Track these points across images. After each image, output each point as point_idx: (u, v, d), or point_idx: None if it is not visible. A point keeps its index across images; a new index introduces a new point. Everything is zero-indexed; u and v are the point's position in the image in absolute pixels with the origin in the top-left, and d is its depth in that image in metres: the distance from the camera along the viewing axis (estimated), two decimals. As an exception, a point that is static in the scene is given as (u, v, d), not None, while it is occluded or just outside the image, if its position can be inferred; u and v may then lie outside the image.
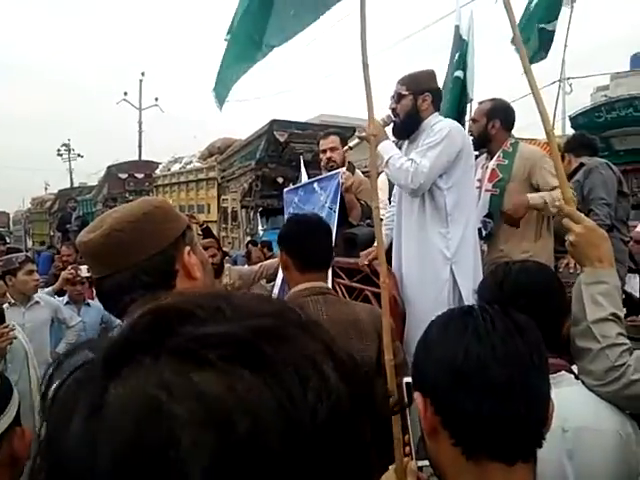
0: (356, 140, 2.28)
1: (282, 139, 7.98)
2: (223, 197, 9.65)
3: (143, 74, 21.30)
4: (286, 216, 3.73)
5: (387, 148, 2.26)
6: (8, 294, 3.03)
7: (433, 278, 2.24)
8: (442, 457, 0.68)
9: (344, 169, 3.09)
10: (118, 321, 3.34)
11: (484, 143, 2.76)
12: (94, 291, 3.77)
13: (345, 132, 3.91)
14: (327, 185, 3.13)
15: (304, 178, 3.81)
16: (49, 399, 0.32)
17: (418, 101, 2.30)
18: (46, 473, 0.30)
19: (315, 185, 3.30)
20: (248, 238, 8.33)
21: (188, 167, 10.67)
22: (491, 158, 2.74)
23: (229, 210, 9.45)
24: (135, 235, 0.87)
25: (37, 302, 3.07)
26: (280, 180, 8.19)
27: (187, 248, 0.93)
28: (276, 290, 3.51)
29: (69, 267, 3.70)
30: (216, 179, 9.73)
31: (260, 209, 8.92)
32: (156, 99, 21.99)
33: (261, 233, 8.94)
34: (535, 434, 0.65)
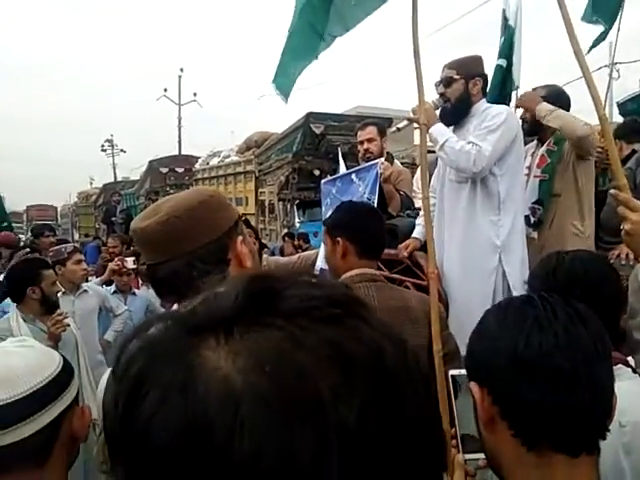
0: (405, 122, 2.24)
1: (318, 131, 7.96)
2: (260, 190, 9.75)
3: (182, 70, 21.76)
4: (323, 208, 3.72)
5: (442, 131, 2.20)
6: (58, 283, 3.17)
7: (480, 267, 2.20)
8: (500, 448, 0.65)
9: (382, 159, 3.05)
10: (162, 310, 3.39)
11: (537, 130, 2.67)
12: (139, 281, 3.92)
13: (383, 123, 3.85)
14: (365, 176, 3.10)
15: (342, 169, 3.79)
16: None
17: (469, 85, 2.27)
18: (182, 434, 0.28)
19: (353, 176, 3.27)
20: (285, 230, 8.39)
21: (226, 161, 10.83)
22: (541, 145, 2.65)
23: (266, 203, 9.54)
24: (191, 223, 0.88)
25: (86, 291, 3.20)
26: (317, 172, 8.18)
27: (239, 237, 0.95)
28: (314, 281, 3.52)
29: (116, 259, 3.85)
30: (253, 172, 9.83)
31: (297, 201, 8.96)
32: (194, 94, 22.42)
33: (298, 225, 8.99)
34: (600, 425, 0.63)
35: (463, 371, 1.13)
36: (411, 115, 2.17)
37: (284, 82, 2.23)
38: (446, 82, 2.28)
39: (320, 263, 3.64)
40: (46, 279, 2.59)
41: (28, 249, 4.78)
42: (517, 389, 0.62)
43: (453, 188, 2.32)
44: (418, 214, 2.86)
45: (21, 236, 16.01)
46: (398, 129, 2.32)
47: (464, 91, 2.28)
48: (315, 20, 2.02)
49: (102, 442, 0.90)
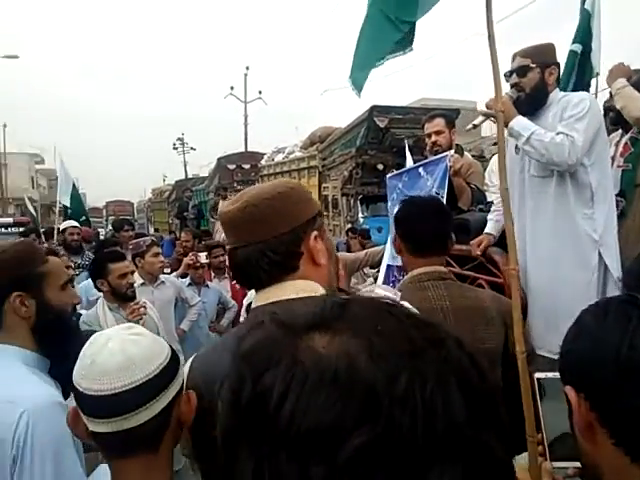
0: (481, 117, 2.15)
1: (382, 125, 7.86)
2: (324, 185, 9.79)
3: (248, 68, 22.28)
4: (389, 203, 3.68)
5: (525, 123, 2.09)
6: (137, 274, 3.37)
7: (579, 264, 2.07)
8: (599, 458, 0.61)
9: (452, 152, 2.97)
10: (233, 302, 3.53)
11: (621, 119, 2.48)
12: (212, 274, 4.08)
13: (451, 114, 3.73)
14: (434, 169, 3.02)
15: (409, 163, 3.72)
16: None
17: (545, 74, 2.17)
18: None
19: (420, 170, 3.20)
20: (349, 225, 8.38)
21: (290, 157, 10.98)
22: (625, 134, 2.47)
23: (330, 198, 9.56)
24: (268, 211, 0.91)
25: (163, 282, 3.39)
26: (380, 167, 8.10)
27: (314, 233, 0.95)
28: (381, 277, 3.49)
29: (190, 254, 4.05)
30: (317, 167, 9.89)
31: (360, 196, 8.91)
32: (260, 92, 22.90)
33: (361, 220, 8.94)
34: None
35: (550, 374, 1.08)
36: (484, 109, 2.09)
37: (358, 76, 2.20)
38: (521, 71, 2.18)
39: (387, 259, 3.61)
40: (112, 272, 2.67)
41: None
42: (619, 394, 0.58)
43: (536, 183, 2.19)
44: (490, 208, 2.75)
45: (100, 230, 17.21)
46: (474, 126, 2.23)
47: (540, 80, 2.18)
48: (387, 9, 1.96)
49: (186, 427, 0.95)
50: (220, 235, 5.79)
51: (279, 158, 11.43)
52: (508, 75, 2.21)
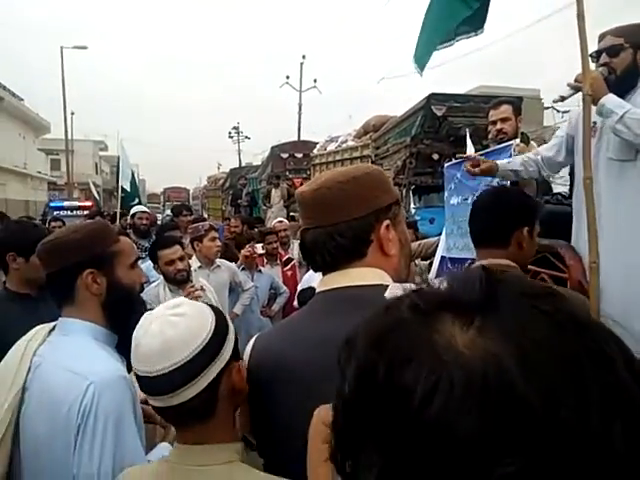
0: (569, 90, 2.03)
1: (440, 113, 7.64)
2: (377, 174, 9.69)
3: (304, 57, 22.32)
4: (446, 193, 3.58)
5: (618, 101, 1.96)
6: (195, 257, 3.48)
7: None
8: None
9: (517, 140, 2.83)
10: (284, 288, 3.58)
11: None
12: (264, 260, 4.15)
13: (518, 101, 3.56)
14: (497, 158, 2.89)
15: (469, 152, 3.59)
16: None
17: (637, 56, 2.03)
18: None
19: (482, 159, 3.08)
20: (400, 216, 8.25)
21: (343, 146, 10.92)
22: None
23: (396, 193, 9.46)
24: (340, 195, 0.89)
25: (219, 266, 3.48)
26: (435, 157, 7.91)
27: (387, 221, 0.92)
28: (434, 268, 3.42)
29: (247, 246, 4.13)
30: (370, 157, 9.78)
31: (413, 187, 8.75)
32: (315, 81, 22.92)
33: (413, 211, 8.79)
34: None
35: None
36: (574, 83, 1.96)
37: (422, 55, 2.14)
38: (613, 51, 2.04)
39: (441, 251, 3.52)
40: (161, 258, 2.84)
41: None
42: None
43: (613, 167, 2.05)
44: (558, 200, 2.61)
45: (158, 215, 17.90)
46: (562, 98, 2.10)
47: (632, 61, 2.04)
48: None
49: (245, 406, 0.96)
50: (272, 222, 5.85)
51: (332, 147, 11.39)
52: (596, 55, 2.08)
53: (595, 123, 2.12)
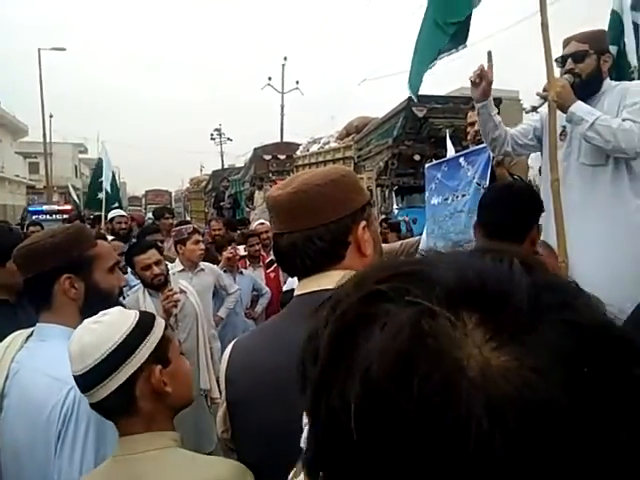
0: (540, 100, 2.08)
1: (421, 114, 7.73)
2: (359, 176, 9.66)
3: (285, 59, 22.29)
4: (427, 193, 3.62)
5: (588, 108, 2.01)
6: (178, 260, 3.45)
7: (633, 259, 1.99)
8: None
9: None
10: (266, 288, 3.56)
11: None
12: (247, 262, 4.11)
13: (495, 101, 3.61)
14: (475, 159, 2.95)
15: (450, 153, 3.64)
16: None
17: (600, 61, 2.11)
18: None
19: (461, 160, 3.14)
20: (382, 217, 8.31)
21: (326, 147, 10.96)
22: None
23: (367, 193, 9.50)
24: (318, 198, 0.89)
25: (202, 269, 3.45)
26: (417, 157, 7.99)
27: (363, 222, 0.93)
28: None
29: (229, 248, 4.08)
30: (352, 158, 9.84)
31: (395, 187, 8.82)
32: (297, 82, 22.89)
33: (396, 212, 8.85)
34: None
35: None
36: (543, 93, 2.01)
37: (415, 81, 2.25)
38: (578, 57, 2.11)
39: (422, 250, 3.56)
40: (137, 264, 2.81)
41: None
42: None
43: (586, 172, 2.10)
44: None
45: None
46: (534, 108, 2.15)
47: (595, 67, 2.12)
48: (435, 13, 2.00)
49: (224, 412, 0.97)
50: (254, 224, 5.84)
51: (314, 148, 11.42)
52: (561, 60, 2.14)
53: (564, 127, 2.18)
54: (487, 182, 2.75)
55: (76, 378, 0.99)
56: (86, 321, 1.03)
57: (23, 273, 1.25)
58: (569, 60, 2.12)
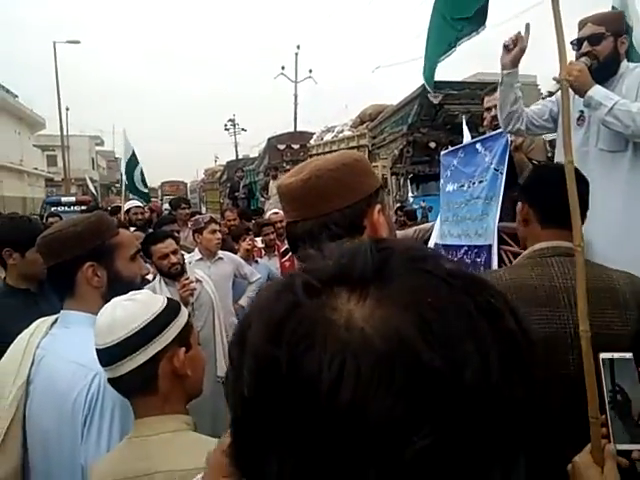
0: (557, 84, 2.03)
1: (436, 101, 7.61)
2: (373, 164, 9.62)
3: (299, 47, 22.13)
4: (442, 180, 3.59)
5: (606, 92, 1.95)
6: (197, 249, 3.48)
7: None
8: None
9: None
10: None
11: None
12: (262, 252, 4.14)
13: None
14: (493, 145, 2.91)
15: (466, 139, 3.59)
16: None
17: (617, 43, 2.05)
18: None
19: (478, 145, 3.09)
20: (398, 205, 8.27)
21: (340, 136, 10.88)
22: None
23: (379, 177, 9.43)
24: (332, 183, 0.88)
25: (221, 258, 3.48)
26: (432, 145, 7.89)
27: (378, 206, 0.92)
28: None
29: (247, 239, 4.10)
30: (367, 146, 9.75)
31: (410, 175, 8.74)
32: (310, 71, 22.74)
33: (411, 200, 8.80)
34: None
35: (616, 354, 1.03)
36: (558, 76, 1.96)
37: (429, 73, 2.29)
38: (595, 39, 2.05)
39: (435, 238, 3.54)
40: (154, 253, 2.84)
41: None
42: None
43: (605, 158, 2.05)
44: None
45: (157, 209, 17.88)
46: (550, 93, 2.11)
47: (613, 49, 2.06)
48: (445, 9, 1.98)
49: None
50: (269, 214, 5.86)
51: (328, 137, 11.36)
52: (577, 43, 2.08)
53: (582, 112, 2.13)
54: (505, 168, 2.71)
55: (100, 351, 1.01)
56: (117, 298, 1.06)
57: (46, 261, 1.27)
58: (585, 43, 2.06)
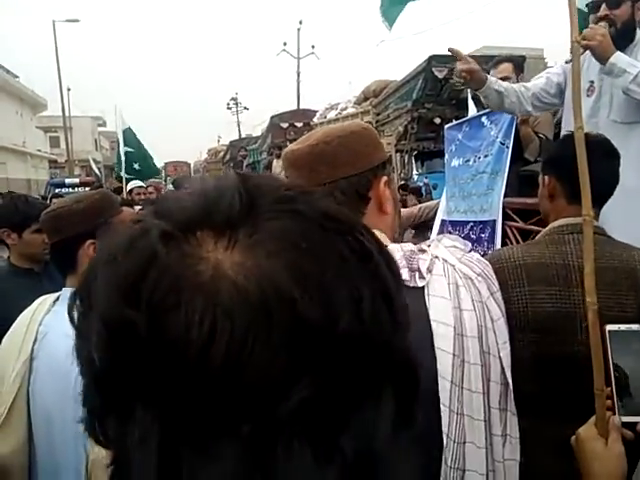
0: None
1: (441, 76, 7.47)
2: (378, 141, 9.56)
3: (301, 23, 21.74)
4: (447, 155, 3.54)
5: (629, 60, 1.87)
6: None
7: None
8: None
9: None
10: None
11: None
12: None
13: (519, 59, 3.47)
14: (499, 118, 2.86)
15: (472, 112, 3.53)
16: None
17: (635, 9, 1.99)
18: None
19: (484, 119, 3.04)
20: (402, 182, 8.21)
21: (343, 113, 10.75)
22: None
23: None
24: (340, 150, 0.86)
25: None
26: (437, 121, 7.79)
27: (384, 178, 0.90)
28: (435, 231, 3.41)
29: None
30: (371, 123, 9.62)
31: (415, 152, 8.66)
32: (312, 47, 22.37)
33: (415, 177, 8.73)
34: None
35: (622, 326, 1.02)
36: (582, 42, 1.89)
37: (390, 10, 2.07)
38: (614, 2, 1.97)
39: (441, 214, 3.50)
40: None
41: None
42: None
43: (618, 130, 1.97)
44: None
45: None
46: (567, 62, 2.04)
47: (630, 15, 1.99)
48: None
49: None
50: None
51: (332, 115, 11.22)
52: (594, 5, 2.01)
53: (592, 82, 2.06)
54: (511, 141, 2.67)
55: None
56: None
57: (49, 237, 1.27)
58: (603, 6, 1.99)
